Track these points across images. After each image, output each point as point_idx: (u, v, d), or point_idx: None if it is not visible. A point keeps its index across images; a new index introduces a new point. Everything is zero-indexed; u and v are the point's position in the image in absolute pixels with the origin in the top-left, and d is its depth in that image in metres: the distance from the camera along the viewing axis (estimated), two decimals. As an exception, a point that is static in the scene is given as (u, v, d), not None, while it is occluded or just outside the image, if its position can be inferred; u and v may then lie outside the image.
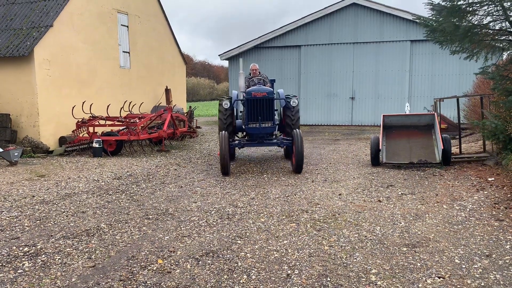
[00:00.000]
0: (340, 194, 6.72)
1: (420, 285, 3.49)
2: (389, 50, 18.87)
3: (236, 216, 5.60)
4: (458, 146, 10.30)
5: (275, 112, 9.27)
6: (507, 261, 3.94)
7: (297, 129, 8.60)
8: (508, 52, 9.12)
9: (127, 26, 15.81)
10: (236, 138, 10.13)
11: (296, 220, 5.39)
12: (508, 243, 4.38)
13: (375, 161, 9.17)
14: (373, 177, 8.02)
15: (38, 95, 12.02)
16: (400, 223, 5.18)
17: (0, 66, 12.25)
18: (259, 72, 10.49)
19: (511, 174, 7.41)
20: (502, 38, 8.49)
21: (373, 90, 19.27)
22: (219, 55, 21.76)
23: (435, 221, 5.23)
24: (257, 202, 6.33)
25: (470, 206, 5.83)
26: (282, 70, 20.52)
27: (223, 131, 8.59)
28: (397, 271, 3.77)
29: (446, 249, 4.29)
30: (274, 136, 9.51)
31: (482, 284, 3.50)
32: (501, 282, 3.52)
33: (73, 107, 12.02)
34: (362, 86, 19.43)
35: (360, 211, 5.72)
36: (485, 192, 6.50)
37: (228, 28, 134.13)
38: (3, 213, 6.00)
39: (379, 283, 3.55)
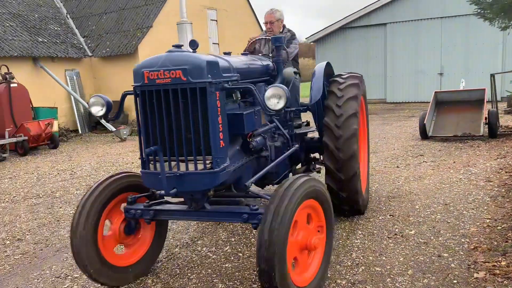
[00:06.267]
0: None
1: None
2: (479, 22, 18.21)
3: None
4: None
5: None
6: (457, 207, 4.91)
7: (293, 181, 2.95)
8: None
9: (216, 20, 17.91)
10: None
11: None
12: (472, 196, 5.27)
13: (423, 134, 9.85)
14: (412, 149, 8.86)
15: (142, 85, 14.66)
16: (398, 182, 6.23)
17: (115, 62, 15.16)
18: (284, 29, 5.19)
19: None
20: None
21: (463, 65, 18.83)
22: (305, 38, 22.88)
23: (430, 181, 6.17)
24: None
25: (476, 171, 6.58)
26: (368, 49, 20.86)
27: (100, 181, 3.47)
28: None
29: (417, 199, 5.34)
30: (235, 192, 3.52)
31: (423, 216, 4.59)
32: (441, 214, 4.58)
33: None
34: (451, 62, 19.10)
35: (374, 174, 6.82)
36: (501, 160, 7.10)
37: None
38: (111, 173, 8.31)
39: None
